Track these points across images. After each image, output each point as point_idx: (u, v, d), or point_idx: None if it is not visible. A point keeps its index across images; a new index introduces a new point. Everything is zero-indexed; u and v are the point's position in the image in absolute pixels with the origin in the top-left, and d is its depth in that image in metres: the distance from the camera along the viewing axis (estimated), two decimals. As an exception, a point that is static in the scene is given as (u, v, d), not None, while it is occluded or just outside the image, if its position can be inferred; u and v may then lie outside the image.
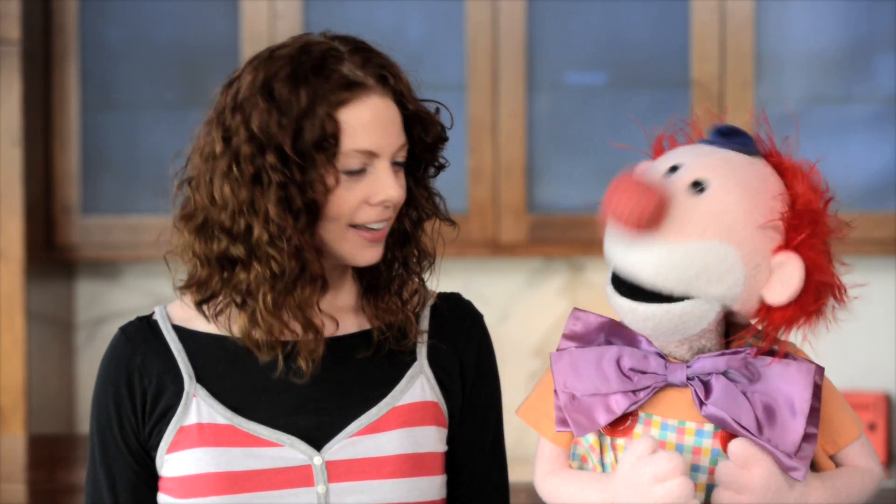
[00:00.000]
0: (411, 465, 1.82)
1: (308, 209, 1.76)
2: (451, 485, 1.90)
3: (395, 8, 3.62)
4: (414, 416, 1.84)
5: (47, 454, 3.46)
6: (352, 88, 1.77)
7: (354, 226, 1.79)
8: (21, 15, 3.53)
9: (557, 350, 1.75)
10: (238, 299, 1.79)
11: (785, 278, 1.67)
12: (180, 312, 1.87)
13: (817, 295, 1.69)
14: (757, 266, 1.67)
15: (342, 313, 1.87)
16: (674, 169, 1.70)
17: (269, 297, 1.77)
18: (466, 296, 1.96)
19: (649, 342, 1.71)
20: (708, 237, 1.65)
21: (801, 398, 1.69)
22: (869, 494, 1.76)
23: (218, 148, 1.78)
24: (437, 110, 1.85)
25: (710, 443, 1.71)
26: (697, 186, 1.68)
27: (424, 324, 1.89)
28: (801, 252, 1.67)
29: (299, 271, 1.77)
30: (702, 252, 1.65)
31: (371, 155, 1.77)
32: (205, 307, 1.83)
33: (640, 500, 1.64)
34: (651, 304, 1.66)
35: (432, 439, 1.85)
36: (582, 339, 1.75)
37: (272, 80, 1.77)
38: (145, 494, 1.84)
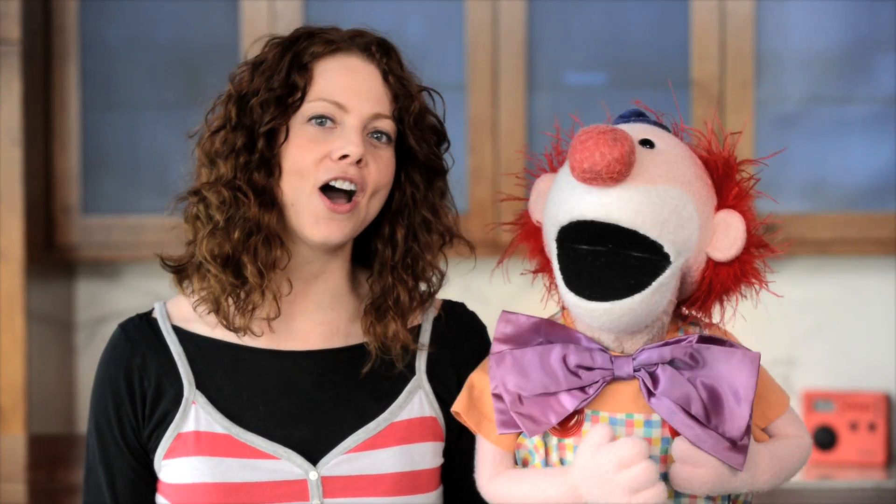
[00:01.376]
0: (407, 483, 1.81)
1: (251, 149, 1.78)
2: (448, 498, 1.89)
3: (395, 8, 3.62)
4: (412, 432, 1.83)
5: (47, 454, 3.46)
6: (331, 46, 1.81)
7: (323, 190, 1.78)
8: (21, 15, 3.52)
9: (491, 353, 1.75)
10: (191, 250, 1.81)
11: (730, 234, 1.71)
12: (179, 311, 1.86)
13: (753, 253, 1.73)
14: (707, 219, 1.70)
15: (344, 324, 1.86)
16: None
17: (205, 244, 1.78)
18: (467, 296, 1.96)
19: (588, 338, 1.72)
20: (671, 183, 1.68)
21: (746, 385, 1.70)
22: (804, 462, 1.79)
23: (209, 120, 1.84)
24: (424, 104, 1.86)
25: (658, 432, 1.71)
26: (647, 144, 1.71)
27: (426, 337, 1.88)
28: (737, 210, 1.72)
29: (255, 218, 1.76)
30: (669, 196, 1.67)
31: (337, 107, 1.78)
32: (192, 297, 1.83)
33: (606, 488, 1.63)
34: (626, 299, 1.66)
35: (429, 455, 1.84)
36: (514, 340, 1.75)
37: (264, 49, 1.83)
38: (145, 493, 1.83)
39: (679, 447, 1.67)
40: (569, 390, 1.70)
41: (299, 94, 1.78)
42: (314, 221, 1.78)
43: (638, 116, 1.79)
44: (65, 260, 3.71)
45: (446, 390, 1.87)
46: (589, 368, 1.70)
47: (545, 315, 1.79)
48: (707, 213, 1.71)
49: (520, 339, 1.74)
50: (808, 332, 3.65)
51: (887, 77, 3.55)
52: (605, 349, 1.72)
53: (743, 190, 1.74)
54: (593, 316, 1.67)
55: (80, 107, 3.68)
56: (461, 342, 1.90)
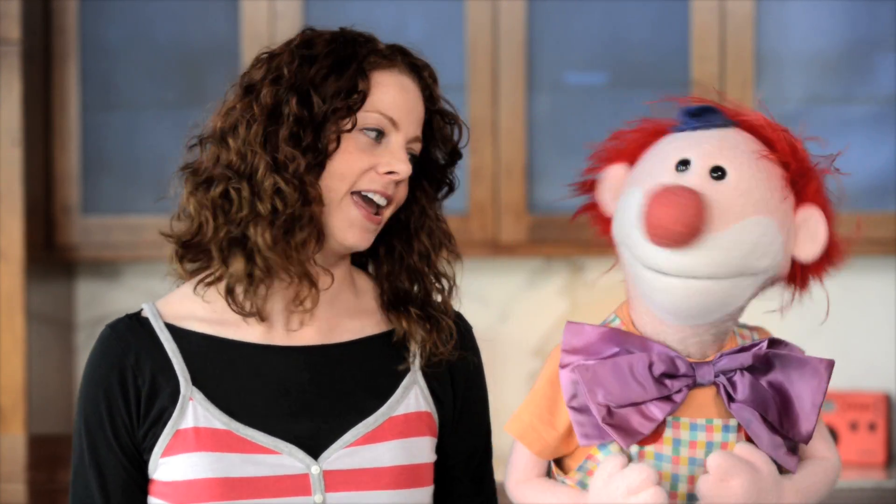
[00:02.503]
0: (407, 476, 1.82)
1: (317, 150, 1.77)
2: (439, 495, 1.89)
3: (395, 8, 3.61)
4: (409, 426, 1.84)
5: (47, 454, 3.46)
6: (387, 59, 1.82)
7: (357, 194, 1.79)
8: (21, 15, 3.52)
9: (562, 365, 1.74)
10: (235, 231, 1.77)
11: (812, 233, 1.72)
12: (171, 310, 1.86)
13: (837, 244, 1.74)
14: (788, 230, 1.71)
15: (340, 319, 1.87)
16: (683, 163, 1.71)
17: (267, 235, 1.76)
18: (467, 296, 1.96)
19: (663, 345, 1.72)
20: (748, 216, 1.67)
21: (817, 390, 1.74)
22: (832, 486, 1.79)
23: (238, 100, 1.81)
24: (461, 129, 1.90)
25: (734, 437, 1.73)
26: (717, 172, 1.69)
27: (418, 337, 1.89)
28: (816, 204, 1.72)
29: (300, 210, 1.76)
30: (746, 232, 1.67)
31: (391, 123, 1.80)
32: (198, 283, 1.82)
33: None
34: (701, 280, 1.66)
35: (426, 450, 1.85)
36: (583, 351, 1.74)
37: (312, 40, 1.82)
38: (137, 495, 1.82)
39: (714, 460, 1.67)
40: (655, 399, 1.70)
41: (359, 101, 1.79)
42: (348, 226, 1.80)
43: (706, 112, 1.76)
44: (65, 260, 3.71)
45: (440, 386, 1.88)
46: (672, 376, 1.71)
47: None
48: (788, 223, 1.71)
49: (589, 350, 1.74)
50: (808, 331, 3.65)
51: (887, 77, 3.55)
52: (682, 356, 1.72)
53: (821, 182, 1.74)
54: (668, 289, 1.67)
55: (80, 107, 3.68)
56: (460, 344, 1.91)
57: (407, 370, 1.87)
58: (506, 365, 3.61)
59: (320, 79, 1.78)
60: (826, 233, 1.72)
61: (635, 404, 1.70)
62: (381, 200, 1.80)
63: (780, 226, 1.70)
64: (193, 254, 1.84)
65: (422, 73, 1.85)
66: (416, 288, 1.88)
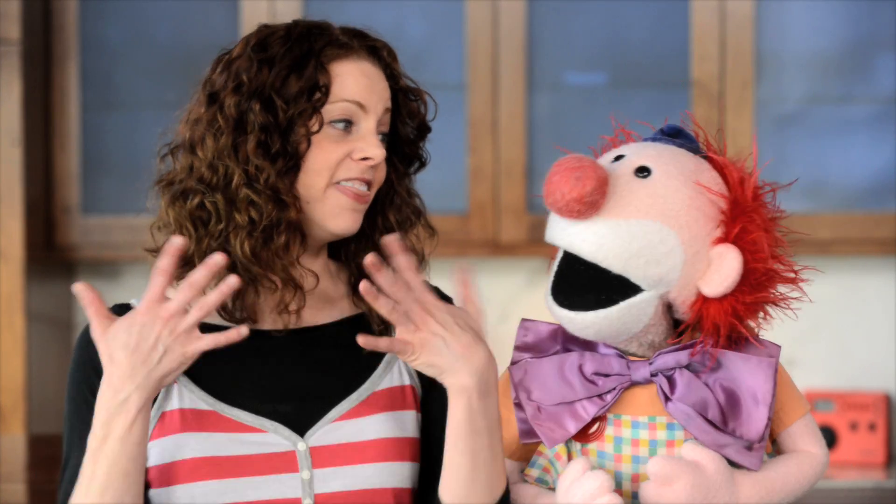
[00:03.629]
0: (393, 448, 1.82)
1: (287, 155, 1.78)
2: (434, 471, 1.89)
3: (395, 8, 3.62)
4: (394, 400, 1.85)
5: (47, 454, 3.46)
6: (344, 48, 1.82)
7: (337, 184, 1.80)
8: (21, 15, 3.52)
9: (512, 363, 1.76)
10: (215, 244, 1.79)
11: (723, 269, 1.69)
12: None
13: (755, 286, 1.71)
14: (696, 254, 1.69)
15: (321, 302, 1.87)
16: (618, 158, 1.73)
17: (246, 245, 1.78)
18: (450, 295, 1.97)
19: (606, 344, 1.73)
20: (650, 217, 1.68)
21: (764, 389, 1.72)
22: (812, 480, 1.77)
23: (203, 108, 1.84)
24: (426, 103, 1.88)
25: (681, 434, 1.72)
26: (643, 172, 1.71)
27: None
28: (740, 244, 1.70)
29: (277, 217, 1.78)
30: (643, 231, 1.67)
31: (359, 107, 1.80)
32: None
33: None
34: (588, 312, 1.68)
35: (410, 423, 1.85)
36: (534, 348, 1.76)
37: (266, 40, 1.83)
38: None
39: (653, 466, 1.68)
40: (586, 398, 1.71)
41: (321, 95, 1.79)
42: (338, 213, 1.81)
43: (675, 135, 1.77)
44: (65, 260, 3.71)
45: None
46: (606, 375, 1.71)
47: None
48: (697, 247, 1.69)
49: (539, 347, 1.76)
50: (807, 332, 3.65)
51: (887, 77, 3.55)
52: (622, 354, 1.72)
53: (766, 220, 1.72)
54: (562, 321, 1.72)
55: (80, 107, 3.68)
56: None
57: None
58: (505, 365, 3.61)
59: (280, 82, 1.79)
60: (736, 274, 1.68)
61: (567, 403, 1.71)
62: (361, 187, 1.81)
63: (683, 244, 1.68)
64: (180, 264, 1.84)
65: (380, 54, 1.85)
66: None
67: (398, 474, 1.81)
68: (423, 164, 1.92)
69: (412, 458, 1.85)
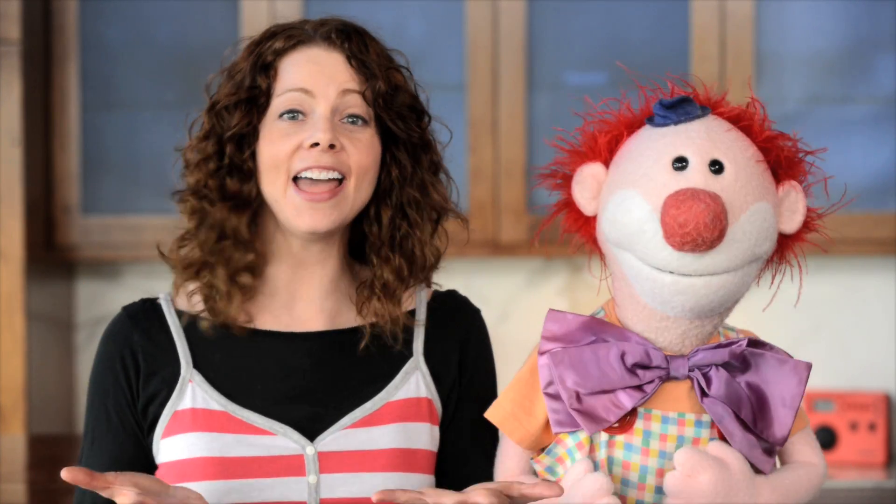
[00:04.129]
0: (403, 460, 1.82)
1: (220, 155, 1.81)
2: (455, 478, 1.88)
3: (395, 8, 3.62)
4: (408, 411, 1.84)
5: (47, 454, 3.46)
6: (292, 41, 1.82)
7: (296, 181, 1.79)
8: (21, 15, 3.52)
9: (541, 352, 1.75)
10: (179, 254, 1.85)
11: (792, 207, 1.75)
12: (185, 297, 1.87)
13: (811, 213, 1.78)
14: (777, 208, 1.73)
15: (341, 306, 1.87)
16: (679, 161, 1.71)
17: (196, 249, 1.83)
18: (467, 296, 1.96)
19: (641, 337, 1.72)
20: (750, 205, 1.69)
21: (794, 393, 1.73)
22: (815, 491, 1.79)
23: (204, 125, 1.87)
24: (405, 77, 1.86)
25: (707, 433, 1.73)
26: (715, 166, 1.71)
27: (421, 318, 1.89)
28: (790, 177, 1.76)
29: (200, 218, 1.82)
30: (751, 221, 1.69)
31: (304, 93, 1.79)
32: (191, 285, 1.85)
33: None
34: (720, 275, 1.67)
35: (425, 436, 1.85)
36: (563, 339, 1.74)
37: (240, 53, 1.85)
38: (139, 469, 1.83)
39: (680, 456, 1.68)
40: (626, 388, 1.70)
41: (263, 96, 1.80)
42: (296, 213, 1.80)
43: (681, 104, 1.76)
44: (65, 260, 3.71)
45: (445, 370, 1.88)
46: (645, 367, 1.71)
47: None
48: (776, 201, 1.74)
49: (568, 338, 1.74)
50: (807, 332, 3.65)
51: (887, 77, 3.55)
52: (657, 349, 1.72)
53: (791, 154, 1.76)
54: (692, 291, 1.68)
55: (80, 107, 3.68)
56: (460, 324, 1.91)
57: (409, 356, 1.87)
58: (506, 364, 3.60)
59: (229, 90, 1.83)
60: (805, 205, 1.76)
61: (605, 391, 1.71)
62: (322, 175, 1.78)
63: (773, 208, 1.72)
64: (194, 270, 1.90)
65: (335, 40, 1.82)
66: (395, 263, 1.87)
67: (406, 486, 1.81)
68: (426, 148, 1.87)
69: (424, 471, 1.84)
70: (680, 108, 1.75)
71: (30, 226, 3.56)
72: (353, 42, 1.83)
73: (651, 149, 1.73)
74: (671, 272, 1.67)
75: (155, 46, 3.69)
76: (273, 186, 1.80)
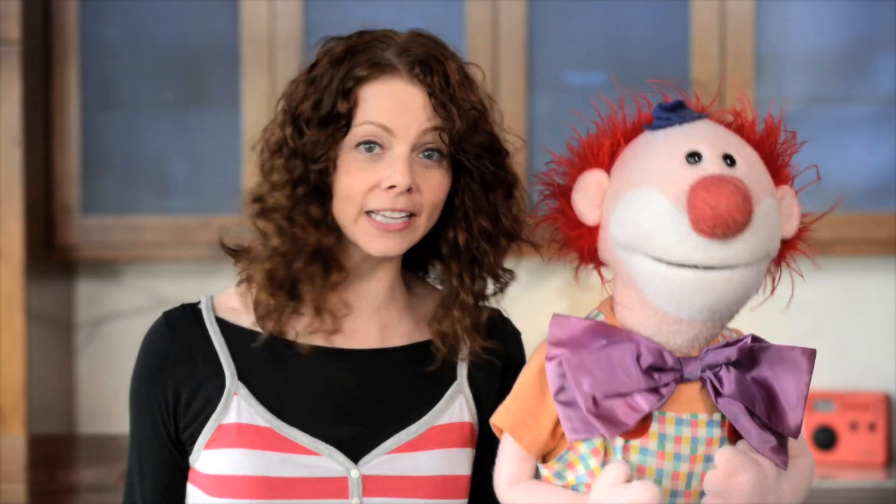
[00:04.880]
0: (445, 486, 1.81)
1: (306, 180, 1.77)
2: (480, 498, 1.87)
3: (395, 8, 3.61)
4: (451, 437, 1.83)
5: (47, 454, 3.46)
6: (375, 68, 1.79)
7: (369, 213, 1.77)
8: (21, 15, 3.52)
9: (548, 358, 1.73)
10: (244, 274, 1.81)
11: (788, 211, 1.74)
12: (226, 304, 1.85)
13: (802, 219, 1.77)
14: (778, 208, 1.73)
15: (391, 325, 1.86)
16: (693, 155, 1.70)
17: (265, 265, 1.78)
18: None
19: (649, 340, 1.71)
20: (762, 199, 1.69)
21: (801, 382, 1.73)
22: (810, 484, 1.80)
23: (278, 126, 1.82)
24: (487, 114, 1.84)
25: (718, 432, 1.72)
26: (728, 160, 1.70)
27: (474, 343, 1.87)
28: (782, 182, 1.76)
29: (291, 244, 1.77)
30: (765, 214, 1.68)
31: (384, 130, 1.76)
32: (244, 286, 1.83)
33: None
34: (738, 269, 1.66)
35: (465, 462, 1.84)
36: (568, 344, 1.72)
37: (321, 59, 1.81)
38: (179, 480, 1.83)
39: (722, 456, 1.67)
40: (642, 391, 1.69)
41: (343, 122, 1.77)
42: (368, 240, 1.78)
43: (680, 107, 1.76)
44: (65, 260, 3.71)
45: (487, 395, 1.87)
46: (660, 369, 1.70)
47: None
48: (776, 201, 1.73)
49: (574, 342, 1.72)
50: (807, 332, 3.65)
51: (887, 77, 3.55)
52: (669, 350, 1.72)
53: (787, 160, 1.77)
54: (713, 286, 1.66)
55: (80, 107, 3.68)
56: (506, 349, 1.91)
57: (453, 379, 1.86)
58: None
59: (312, 104, 1.78)
60: (798, 209, 1.75)
61: (622, 395, 1.69)
62: (392, 217, 1.77)
63: (778, 205, 1.72)
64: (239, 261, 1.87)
65: (417, 74, 1.80)
66: (466, 284, 1.85)
67: None
68: (501, 185, 1.86)
69: (461, 496, 1.84)
70: (679, 111, 1.75)
71: (30, 226, 3.56)
72: (436, 77, 1.80)
73: (660, 148, 1.72)
74: (694, 266, 1.65)
75: (155, 46, 3.69)
76: (345, 214, 1.78)
